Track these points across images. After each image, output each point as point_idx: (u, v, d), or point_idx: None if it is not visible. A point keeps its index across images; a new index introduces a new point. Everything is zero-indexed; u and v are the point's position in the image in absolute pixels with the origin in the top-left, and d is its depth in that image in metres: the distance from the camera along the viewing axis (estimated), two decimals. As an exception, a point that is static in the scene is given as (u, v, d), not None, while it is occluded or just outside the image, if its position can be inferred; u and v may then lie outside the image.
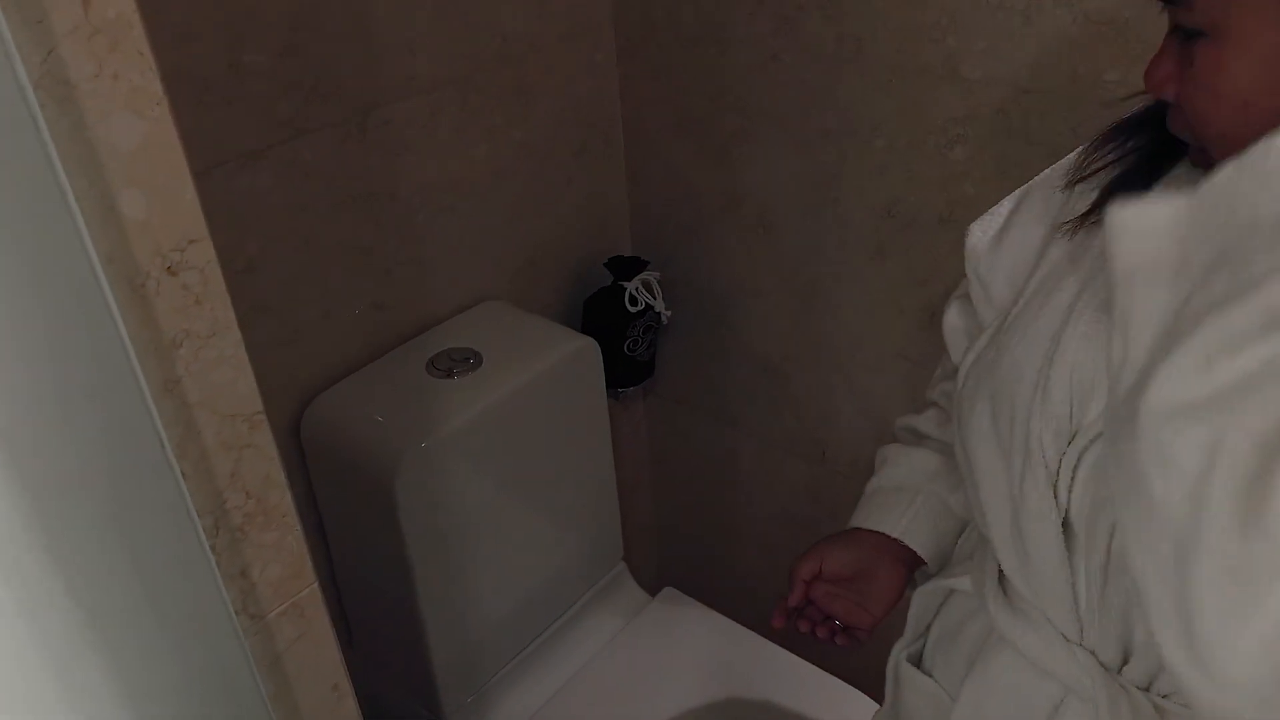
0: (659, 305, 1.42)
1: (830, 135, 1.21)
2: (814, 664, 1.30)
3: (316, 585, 0.55)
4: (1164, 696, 0.64)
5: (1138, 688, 0.65)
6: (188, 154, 1.02)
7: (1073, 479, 0.62)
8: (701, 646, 1.34)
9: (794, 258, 1.33)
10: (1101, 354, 0.61)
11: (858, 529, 0.85)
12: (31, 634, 0.43)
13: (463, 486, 1.15)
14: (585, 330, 1.35)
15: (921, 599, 0.82)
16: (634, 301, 1.38)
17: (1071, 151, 0.72)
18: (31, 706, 0.44)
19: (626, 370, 1.44)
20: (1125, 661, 0.65)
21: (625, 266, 1.39)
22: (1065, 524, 0.63)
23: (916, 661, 0.83)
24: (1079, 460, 0.62)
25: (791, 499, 1.53)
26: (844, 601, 0.84)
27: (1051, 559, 0.64)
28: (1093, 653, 0.66)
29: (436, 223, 1.22)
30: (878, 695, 1.26)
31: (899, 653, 0.83)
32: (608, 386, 1.32)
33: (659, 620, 1.38)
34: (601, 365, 1.27)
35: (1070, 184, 0.69)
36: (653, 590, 1.44)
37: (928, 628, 0.82)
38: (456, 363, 1.18)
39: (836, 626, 0.86)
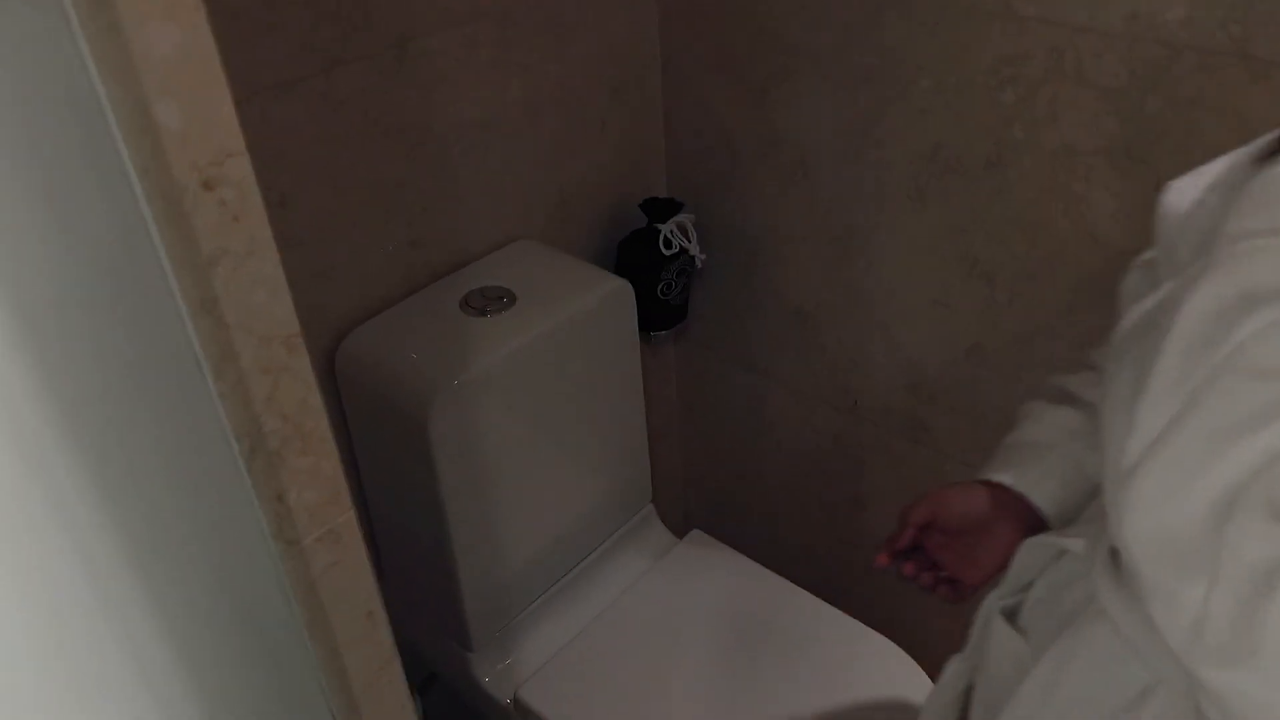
0: (693, 249, 1.40)
1: (873, 76, 1.18)
2: (839, 608, 1.30)
3: (353, 513, 0.55)
4: None
5: None
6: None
7: None
8: (727, 588, 1.34)
9: (831, 203, 1.31)
10: None
11: (982, 481, 0.81)
12: (66, 546, 0.43)
13: (495, 425, 1.15)
14: (618, 272, 1.33)
15: (1028, 552, 0.76)
16: (668, 244, 1.37)
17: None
18: (67, 619, 0.44)
19: (659, 314, 1.43)
20: None
21: (660, 208, 1.37)
22: None
23: (1010, 616, 0.77)
24: None
25: (820, 448, 1.52)
26: (953, 553, 0.82)
27: None
28: None
29: (470, 159, 1.20)
30: (901, 641, 1.26)
31: (993, 604, 0.78)
32: (640, 330, 1.31)
33: (686, 561, 1.38)
34: (635, 307, 1.26)
35: (1261, 159, 0.62)
36: (680, 533, 1.44)
37: (1028, 585, 0.77)
38: (490, 301, 1.18)
39: (940, 576, 0.84)
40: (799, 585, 1.34)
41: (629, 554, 1.40)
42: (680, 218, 1.38)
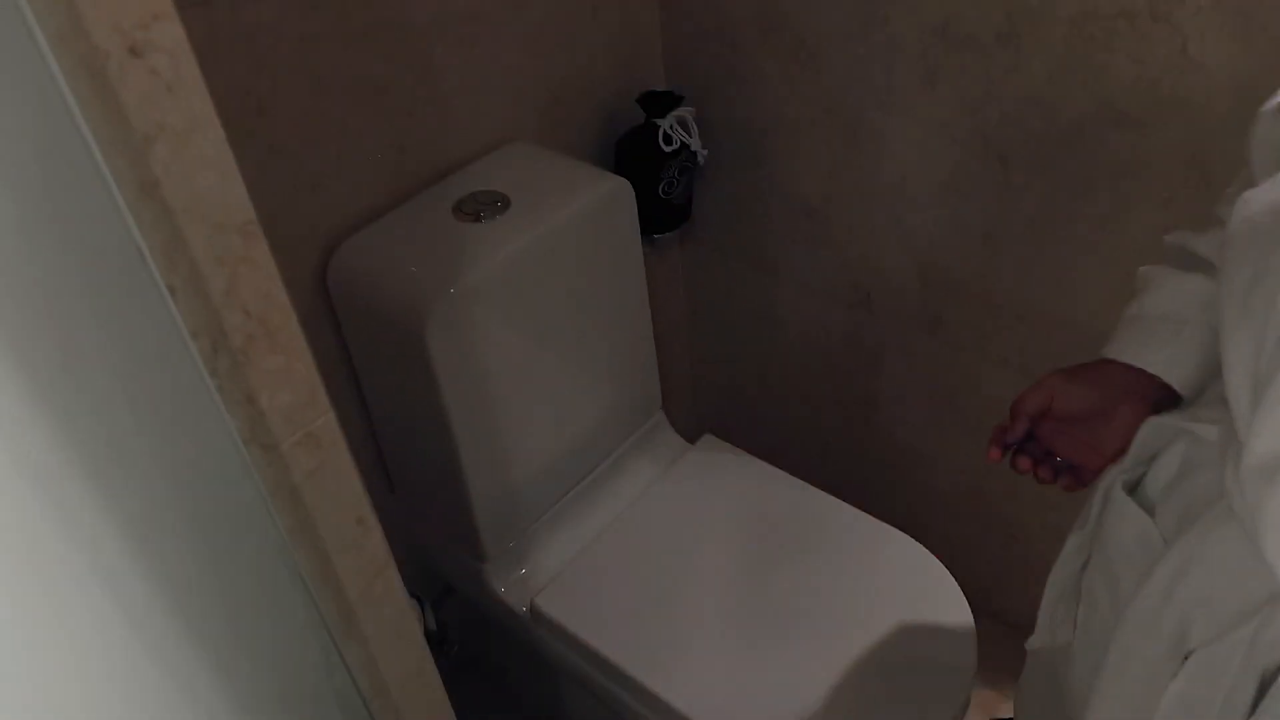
0: (695, 144, 1.35)
1: None
2: (857, 507, 1.28)
3: (333, 414, 0.52)
4: None
5: None
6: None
7: None
8: (741, 492, 1.32)
9: (837, 87, 1.25)
10: None
11: (1104, 361, 0.76)
12: (21, 480, 0.40)
13: (495, 333, 1.12)
14: (618, 172, 1.29)
15: (1154, 433, 0.72)
16: (668, 140, 1.31)
17: None
18: (32, 553, 0.42)
19: (662, 214, 1.38)
20: None
21: (659, 102, 1.32)
22: None
23: (1130, 490, 0.75)
24: None
25: (833, 346, 1.49)
26: (1071, 439, 0.77)
27: None
28: None
29: (455, 56, 1.15)
30: (923, 539, 1.24)
31: (1114, 477, 0.75)
32: (643, 232, 1.27)
33: (698, 466, 1.36)
34: (635, 207, 1.22)
35: None
36: (692, 439, 1.42)
37: (1152, 458, 0.73)
38: (484, 206, 1.13)
39: (1059, 465, 0.79)
40: (817, 484, 1.32)
41: (641, 461, 1.38)
42: (680, 111, 1.32)
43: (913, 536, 1.24)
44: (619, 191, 1.19)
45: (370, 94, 1.09)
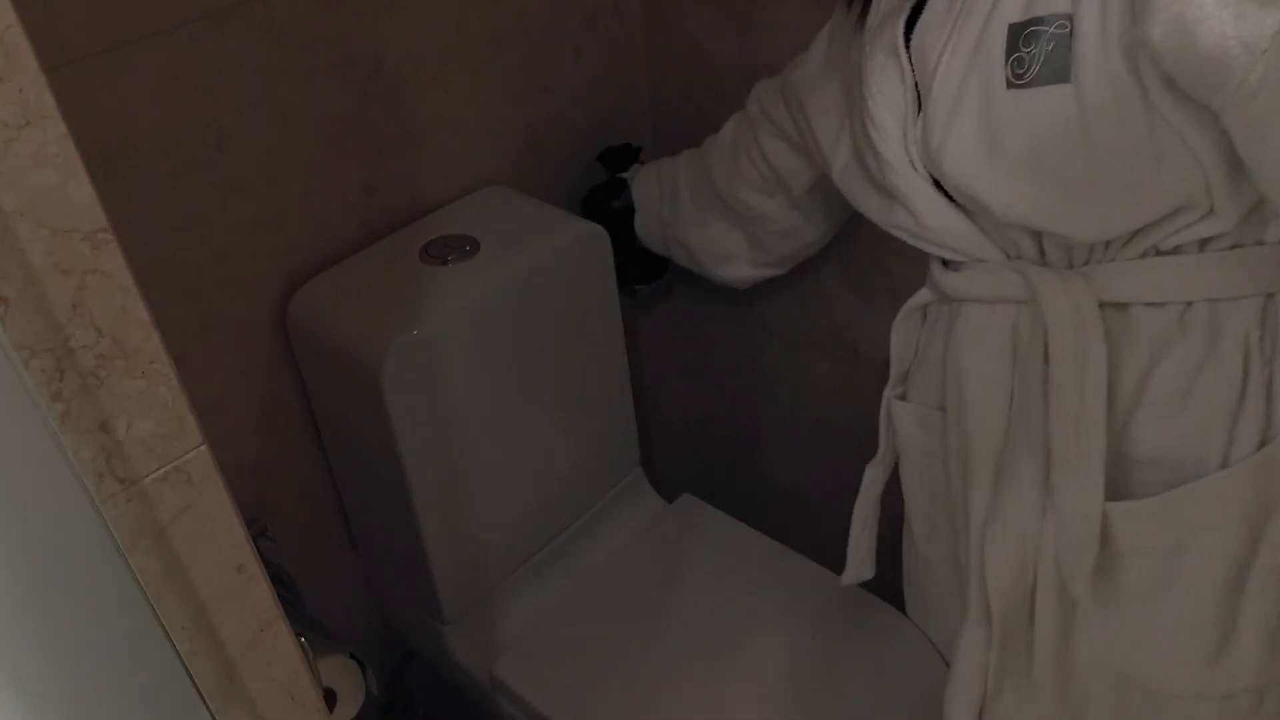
0: None
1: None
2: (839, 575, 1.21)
3: (205, 448, 0.47)
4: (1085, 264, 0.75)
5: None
6: (146, 13, 0.92)
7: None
8: (719, 556, 1.26)
9: (824, 137, 1.21)
10: None
11: None
12: None
13: (458, 381, 1.07)
14: (594, 219, 1.25)
15: (899, 332, 0.92)
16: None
17: None
18: None
19: (642, 265, 1.34)
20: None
21: (619, 156, 1.28)
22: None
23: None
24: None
25: (821, 403, 1.43)
26: None
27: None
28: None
29: (428, 96, 1.12)
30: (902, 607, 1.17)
31: (888, 394, 0.93)
32: (623, 283, 1.23)
33: (675, 527, 1.30)
34: (611, 255, 1.18)
35: None
36: (671, 497, 1.36)
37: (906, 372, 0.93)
38: (452, 249, 1.10)
39: None
40: (796, 551, 1.25)
41: (615, 520, 1.32)
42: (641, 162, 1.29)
43: (899, 609, 1.17)
44: (594, 239, 1.15)
45: (337, 132, 1.06)
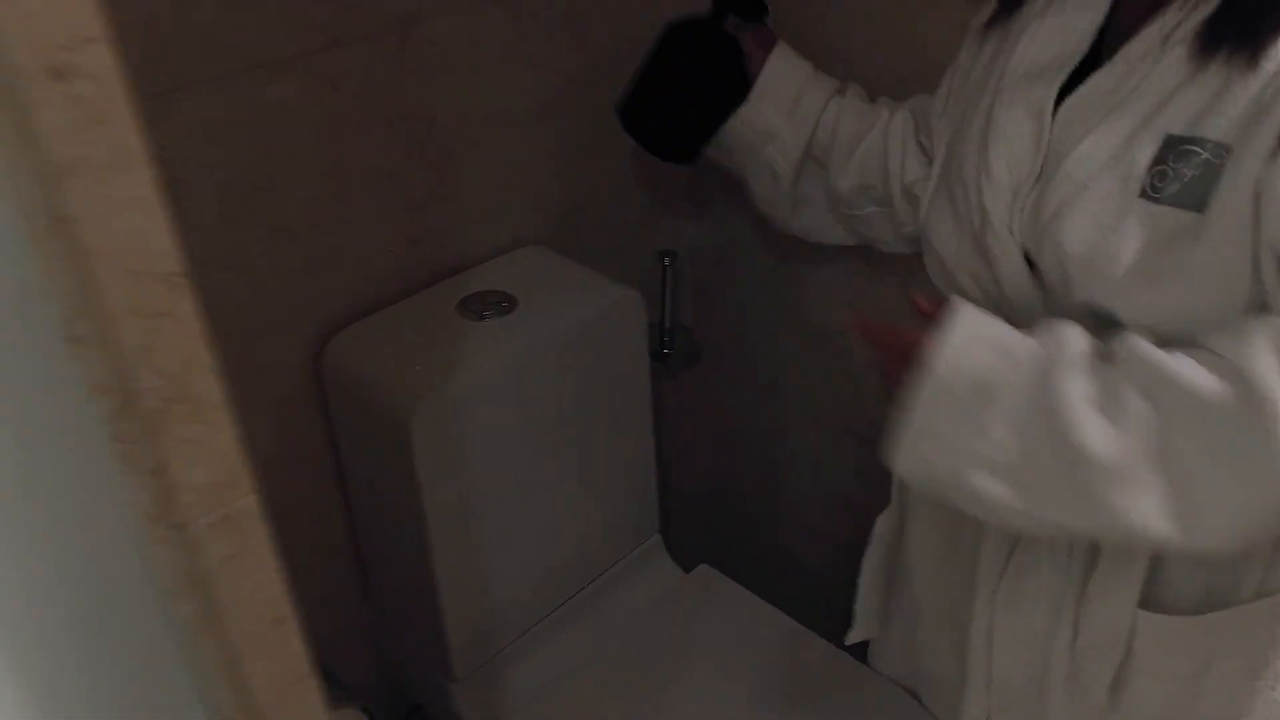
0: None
1: (908, 78, 1.10)
2: (854, 657, 1.19)
3: (255, 498, 0.47)
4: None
5: None
6: (207, 58, 0.93)
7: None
8: (734, 630, 1.24)
9: (862, 216, 1.22)
10: None
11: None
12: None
13: (486, 437, 1.07)
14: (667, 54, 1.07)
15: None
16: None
17: None
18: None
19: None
20: None
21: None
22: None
23: None
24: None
25: (842, 480, 1.42)
26: None
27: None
28: None
29: (476, 155, 1.14)
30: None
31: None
32: (655, 352, 1.23)
33: (691, 598, 1.29)
34: (644, 321, 1.18)
35: None
36: (688, 567, 1.34)
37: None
38: (489, 305, 1.10)
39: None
40: (812, 630, 1.23)
41: (630, 586, 1.30)
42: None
43: (911, 689, 1.14)
44: (628, 303, 1.16)
45: (384, 185, 1.07)
